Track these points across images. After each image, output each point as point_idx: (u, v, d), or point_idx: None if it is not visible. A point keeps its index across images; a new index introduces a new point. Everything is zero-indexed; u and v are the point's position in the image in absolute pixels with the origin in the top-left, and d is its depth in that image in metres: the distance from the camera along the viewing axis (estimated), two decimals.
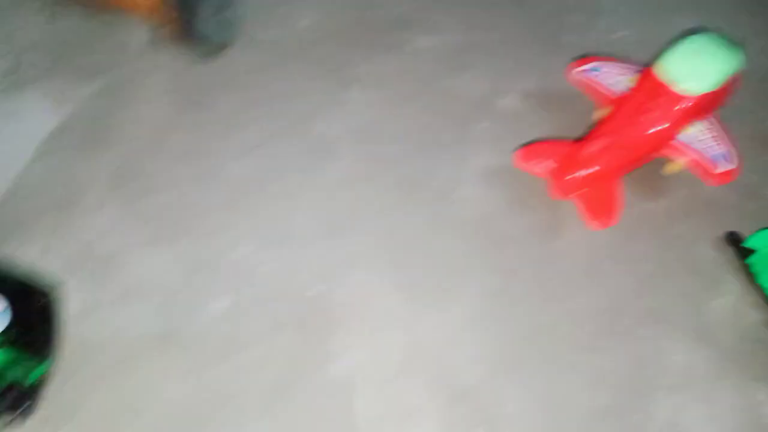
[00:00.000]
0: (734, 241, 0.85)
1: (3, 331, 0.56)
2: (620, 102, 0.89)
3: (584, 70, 0.96)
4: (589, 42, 1.08)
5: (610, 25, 1.12)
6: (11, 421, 0.58)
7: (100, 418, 0.67)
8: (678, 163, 0.89)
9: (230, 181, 0.88)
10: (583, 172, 0.83)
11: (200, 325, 0.75)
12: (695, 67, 0.84)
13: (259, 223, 0.85)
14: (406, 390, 0.75)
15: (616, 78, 0.94)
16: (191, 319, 0.75)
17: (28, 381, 0.60)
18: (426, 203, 0.89)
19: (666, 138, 0.86)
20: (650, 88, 0.86)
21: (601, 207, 0.85)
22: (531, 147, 0.90)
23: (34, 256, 0.74)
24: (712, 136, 0.87)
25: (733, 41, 0.88)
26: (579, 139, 0.89)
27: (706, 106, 0.86)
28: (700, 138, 0.87)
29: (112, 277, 0.75)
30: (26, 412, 0.59)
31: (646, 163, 0.88)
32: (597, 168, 0.83)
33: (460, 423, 0.73)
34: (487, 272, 0.83)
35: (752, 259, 0.83)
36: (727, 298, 0.82)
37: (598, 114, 0.93)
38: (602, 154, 0.83)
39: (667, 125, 0.84)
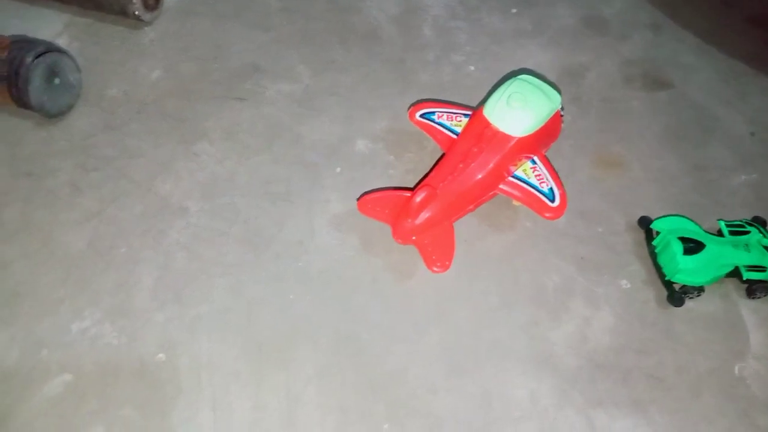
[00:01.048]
0: (645, 224, 0.96)
1: None
2: (451, 146, 0.94)
3: (422, 114, 1.01)
4: (441, 78, 1.14)
5: (460, 61, 1.18)
6: None
7: None
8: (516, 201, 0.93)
9: (67, 253, 0.88)
10: (415, 221, 0.87)
11: (29, 412, 0.75)
12: (513, 111, 0.90)
13: (99, 293, 0.85)
14: None
15: (452, 121, 0.99)
16: (24, 403, 0.75)
17: None
18: (277, 257, 0.90)
19: (495, 178, 0.91)
20: (478, 131, 0.91)
21: (437, 252, 0.89)
22: (370, 195, 0.93)
23: None
24: (537, 175, 0.93)
25: (549, 82, 0.96)
26: (414, 186, 0.93)
27: (531, 145, 0.92)
28: (529, 177, 0.93)
29: None
30: None
31: (483, 203, 0.93)
32: (428, 215, 0.87)
33: None
34: (337, 320, 0.85)
35: (656, 241, 0.93)
36: (572, 323, 0.87)
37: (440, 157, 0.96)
38: (431, 201, 0.87)
39: (492, 166, 0.90)
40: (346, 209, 0.95)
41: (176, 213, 0.93)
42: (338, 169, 1.00)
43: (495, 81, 1.10)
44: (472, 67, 1.16)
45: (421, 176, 0.95)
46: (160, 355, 0.80)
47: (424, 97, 1.07)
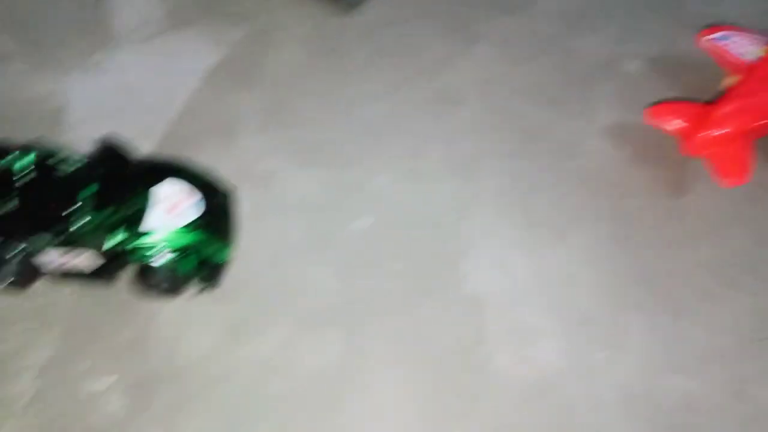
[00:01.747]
0: None
1: (199, 217, 0.69)
2: (752, 69, 0.94)
3: (714, 39, 1.00)
4: (716, 11, 1.11)
5: None
6: (203, 290, 0.73)
7: (265, 296, 0.79)
8: None
9: (365, 121, 0.98)
10: (715, 132, 0.88)
11: (347, 237, 0.86)
12: None
13: (395, 158, 0.95)
14: (532, 311, 0.82)
15: (746, 47, 0.97)
16: (339, 231, 0.86)
17: (216, 261, 0.73)
18: (548, 153, 0.96)
19: None
20: None
21: (732, 166, 0.89)
22: (663, 105, 0.95)
23: (205, 169, 0.85)
24: None
25: None
26: (710, 102, 0.94)
27: None
28: None
29: (271, 191, 0.88)
30: (214, 284, 0.73)
31: None
32: (729, 129, 0.89)
33: (584, 345, 0.79)
34: (609, 218, 0.90)
35: None
36: None
37: (728, 81, 0.97)
38: (735, 116, 0.89)
39: None
40: (620, 120, 0.99)
41: (456, 103, 1.01)
42: (611, 85, 1.03)
43: None
44: (751, 6, 1.13)
45: (702, 100, 0.96)
46: (447, 216, 0.90)
47: (703, 26, 1.05)
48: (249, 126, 0.93)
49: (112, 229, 0.63)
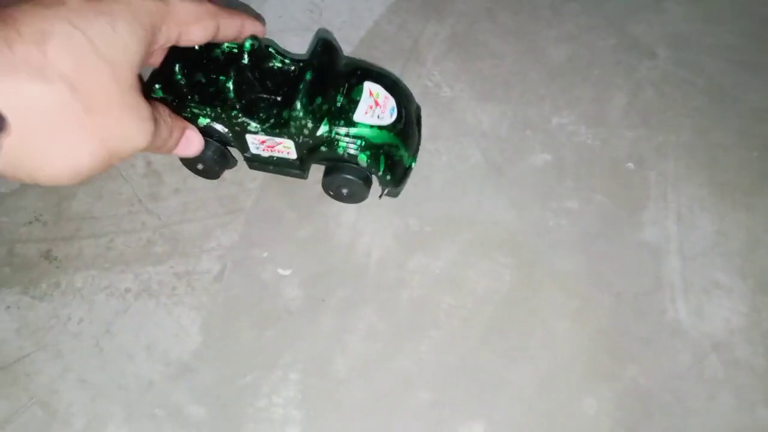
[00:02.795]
0: None
1: (395, 120, 0.69)
2: None
3: None
4: None
5: None
6: (384, 193, 0.74)
7: (438, 215, 0.81)
8: None
9: (548, 62, 0.98)
10: None
11: (523, 170, 0.86)
12: None
13: (576, 100, 0.94)
14: (712, 269, 0.81)
15: None
16: (515, 163, 0.87)
17: (405, 163, 0.75)
18: (737, 115, 0.93)
19: None
20: None
21: None
22: None
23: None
24: None
25: None
26: None
27: None
28: None
29: (451, 117, 0.89)
30: (396, 190, 0.75)
31: None
32: None
33: (763, 312, 0.77)
34: None
35: None
36: None
37: None
38: None
39: None
40: None
41: (642, 54, 1.00)
42: None
43: None
44: None
45: None
46: (629, 164, 0.89)
47: None
48: (431, 54, 0.95)
49: (318, 120, 0.64)
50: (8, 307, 0.70)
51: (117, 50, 0.33)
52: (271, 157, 0.72)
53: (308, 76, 0.63)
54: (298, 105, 0.63)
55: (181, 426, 0.65)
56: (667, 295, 0.78)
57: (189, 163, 0.75)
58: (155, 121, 0.40)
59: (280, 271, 0.73)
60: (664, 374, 0.73)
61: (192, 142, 0.52)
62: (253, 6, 0.98)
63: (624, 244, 0.83)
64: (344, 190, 0.75)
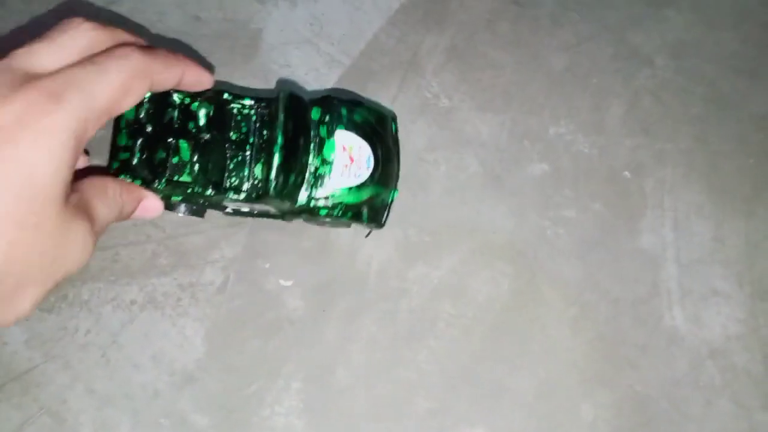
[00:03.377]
0: None
1: (373, 171, 0.67)
2: None
3: None
4: None
5: None
6: (370, 231, 0.74)
7: (437, 225, 0.82)
8: None
9: (547, 71, 0.99)
10: None
11: (521, 179, 0.87)
12: None
13: (574, 109, 0.95)
14: (710, 276, 0.82)
15: None
16: (514, 173, 0.88)
17: (384, 203, 0.72)
18: (737, 122, 0.94)
19: None
20: None
21: None
22: None
23: (387, 102, 0.91)
24: None
25: None
26: None
27: None
28: None
29: (450, 127, 0.90)
30: (381, 224, 0.71)
31: None
32: None
33: (761, 319, 0.79)
34: None
35: None
36: None
37: None
38: None
39: None
40: None
41: (642, 63, 1.00)
42: None
43: None
44: None
45: None
46: (626, 173, 0.90)
47: None
48: (431, 65, 0.97)
49: (293, 195, 0.62)
50: None
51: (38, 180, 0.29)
52: (252, 210, 0.69)
53: (278, 159, 0.58)
54: (273, 192, 0.59)
55: None
56: (665, 302, 0.79)
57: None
58: (94, 230, 0.37)
59: (282, 281, 0.75)
60: (662, 381, 0.74)
61: (148, 210, 0.48)
62: (255, 21, 0.99)
63: (622, 251, 0.84)
64: (327, 227, 0.74)
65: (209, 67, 0.56)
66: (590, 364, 0.75)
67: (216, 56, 0.91)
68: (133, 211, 0.44)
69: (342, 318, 0.76)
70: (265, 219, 0.78)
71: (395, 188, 0.77)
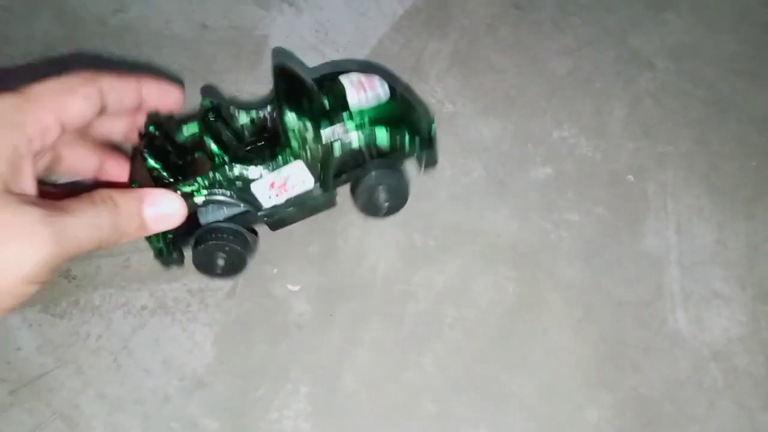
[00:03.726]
0: None
1: (392, 92, 0.64)
2: None
3: None
4: None
5: None
6: (426, 167, 0.69)
7: (442, 228, 0.83)
8: None
9: (549, 75, 1.00)
10: None
11: (525, 183, 0.88)
12: None
13: (576, 113, 0.96)
14: (712, 278, 0.83)
15: None
16: (517, 177, 0.89)
17: (428, 132, 0.68)
18: (737, 124, 0.95)
19: None
20: None
21: None
22: None
23: None
24: None
25: None
26: None
27: None
28: None
29: (453, 132, 0.91)
30: (434, 159, 0.69)
31: None
32: None
33: (762, 321, 0.79)
34: None
35: None
36: None
37: None
38: None
39: None
40: None
41: (642, 66, 1.02)
42: None
43: None
44: None
45: None
46: (629, 176, 0.91)
47: None
48: (434, 70, 0.98)
49: (315, 121, 0.57)
50: (30, 325, 0.73)
51: None
52: (290, 199, 0.65)
53: (283, 84, 0.57)
54: (288, 113, 0.55)
55: None
56: (668, 305, 0.80)
57: (204, 263, 0.64)
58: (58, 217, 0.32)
59: (290, 286, 0.76)
60: (665, 383, 0.75)
61: (167, 216, 0.44)
62: (262, 26, 1.01)
63: (624, 254, 0.85)
64: (383, 196, 0.68)
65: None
66: (593, 367, 0.76)
67: (222, 63, 0.93)
68: (137, 218, 0.40)
69: (348, 322, 0.77)
70: (307, 217, 0.69)
71: (432, 120, 0.69)
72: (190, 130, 0.62)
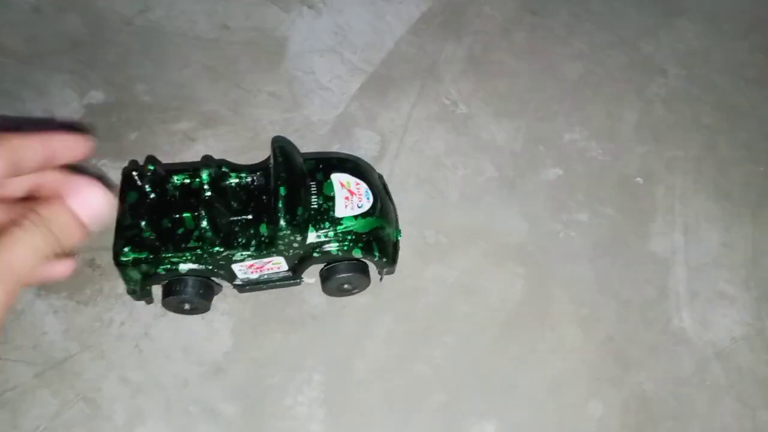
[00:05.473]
0: None
1: (373, 203, 0.70)
2: None
3: None
4: None
5: None
6: (384, 273, 0.75)
7: (453, 226, 0.86)
8: None
9: (563, 79, 1.03)
10: None
11: (536, 184, 0.92)
12: None
13: (588, 117, 0.99)
14: (717, 280, 0.85)
15: None
16: (528, 177, 0.92)
17: (393, 239, 0.76)
18: (746, 131, 0.98)
19: None
20: None
21: None
22: None
23: (407, 108, 0.95)
24: None
25: None
26: None
27: None
28: None
29: (467, 133, 0.95)
30: (393, 265, 0.75)
31: None
32: None
33: (766, 321, 0.81)
34: None
35: None
36: None
37: None
38: None
39: None
40: None
41: (654, 72, 1.05)
42: None
43: None
44: None
45: None
46: (638, 179, 0.94)
47: None
48: (449, 73, 1.00)
49: (303, 230, 0.63)
50: (56, 311, 0.77)
51: None
52: (261, 276, 0.73)
53: (282, 191, 0.59)
54: (283, 223, 0.59)
55: (214, 421, 0.72)
56: (673, 305, 0.83)
57: (174, 306, 0.69)
58: None
59: (306, 279, 0.78)
60: (669, 380, 0.78)
61: (85, 195, 0.36)
62: (282, 28, 1.05)
63: (632, 255, 0.88)
64: (347, 286, 0.75)
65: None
66: (599, 363, 0.78)
67: (243, 63, 0.97)
68: (68, 215, 0.35)
69: (361, 314, 0.80)
70: (272, 288, 0.77)
71: (398, 230, 0.79)
72: (180, 179, 0.68)
